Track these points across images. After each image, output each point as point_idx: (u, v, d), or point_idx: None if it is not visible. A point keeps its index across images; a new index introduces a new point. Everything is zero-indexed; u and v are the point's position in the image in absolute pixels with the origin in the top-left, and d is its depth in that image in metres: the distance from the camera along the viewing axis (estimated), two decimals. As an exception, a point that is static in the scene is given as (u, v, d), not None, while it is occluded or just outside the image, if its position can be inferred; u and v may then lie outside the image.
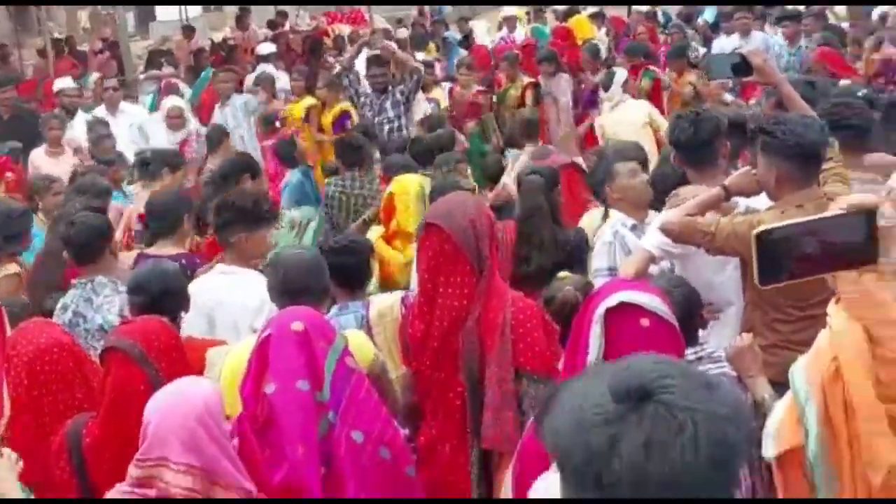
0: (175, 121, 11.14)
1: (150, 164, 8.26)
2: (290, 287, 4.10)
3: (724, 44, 12.49)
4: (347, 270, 4.75)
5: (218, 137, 9.99)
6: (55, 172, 9.20)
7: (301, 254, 4.35)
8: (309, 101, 12.03)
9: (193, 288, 4.89)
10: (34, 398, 4.15)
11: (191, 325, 4.75)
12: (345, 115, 11.40)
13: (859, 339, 2.91)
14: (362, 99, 10.96)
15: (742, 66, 5.06)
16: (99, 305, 5.29)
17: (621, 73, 10.96)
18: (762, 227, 2.85)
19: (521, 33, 16.84)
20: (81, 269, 5.49)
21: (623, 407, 1.58)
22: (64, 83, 12.47)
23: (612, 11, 17.79)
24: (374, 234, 7.01)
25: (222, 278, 5.17)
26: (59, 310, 5.35)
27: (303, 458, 3.35)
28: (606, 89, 11.00)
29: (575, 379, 1.69)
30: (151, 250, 5.89)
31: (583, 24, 15.96)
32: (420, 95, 11.32)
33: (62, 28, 29.68)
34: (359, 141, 8.61)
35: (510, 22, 17.43)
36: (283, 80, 13.82)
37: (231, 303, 4.96)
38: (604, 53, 13.65)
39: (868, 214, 2.81)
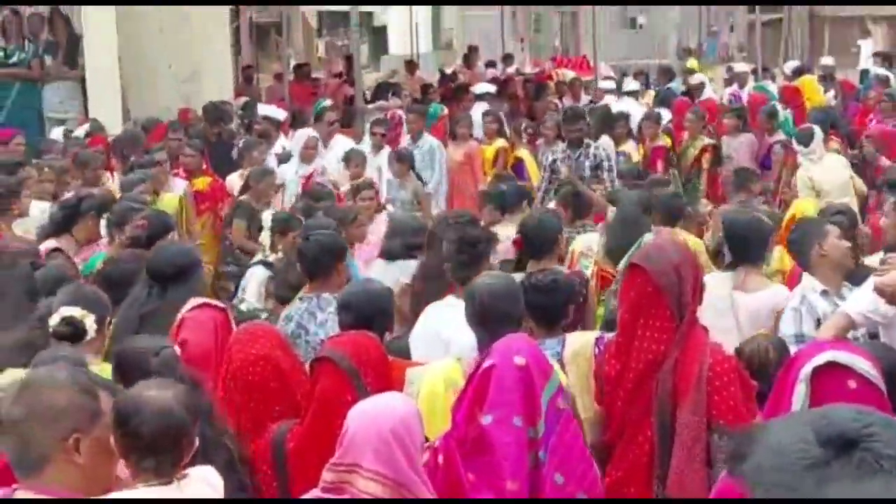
0: (309, 152, 11.29)
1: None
2: (487, 314, 4.18)
3: None
4: (547, 309, 4.78)
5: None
6: None
7: (497, 282, 4.42)
8: (501, 143, 12.20)
9: (424, 314, 5.05)
10: (236, 404, 4.30)
11: (413, 350, 4.91)
12: (519, 162, 11.70)
13: None
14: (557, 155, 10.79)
15: None
16: (322, 321, 5.47)
17: (819, 132, 10.66)
18: None
19: (747, 90, 16.66)
20: (311, 283, 5.74)
21: (829, 452, 1.62)
22: (268, 110, 12.82)
23: (841, 74, 17.43)
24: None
25: (446, 311, 5.24)
26: (283, 320, 5.56)
27: (512, 493, 3.43)
28: (803, 144, 10.67)
29: (774, 421, 1.72)
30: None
31: (811, 85, 15.60)
32: None
33: (299, 55, 30.84)
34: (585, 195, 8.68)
35: (741, 78, 17.34)
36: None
37: (448, 337, 5.01)
38: None
39: None
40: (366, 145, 11.84)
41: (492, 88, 16.33)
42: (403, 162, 10.91)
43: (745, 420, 3.89)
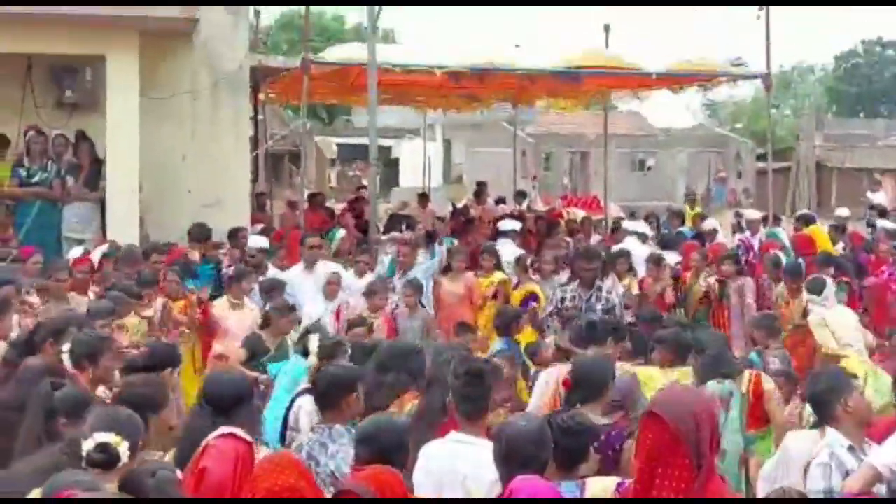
0: (332, 287, 11.50)
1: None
2: (515, 456, 4.21)
3: None
4: (569, 451, 4.79)
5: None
6: (233, 323, 10.33)
7: (528, 424, 4.45)
8: (499, 275, 12.39)
9: (426, 452, 5.05)
10: None
11: (418, 487, 4.90)
12: (532, 296, 11.73)
13: None
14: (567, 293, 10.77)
15: None
16: (334, 453, 5.48)
17: (830, 282, 10.81)
18: None
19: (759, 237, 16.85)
20: (324, 414, 5.83)
21: None
22: (256, 242, 12.94)
23: (853, 226, 17.65)
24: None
25: (456, 447, 5.22)
26: (293, 450, 5.56)
27: None
28: (816, 293, 10.79)
29: None
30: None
31: (821, 235, 15.76)
32: None
33: (311, 183, 31.28)
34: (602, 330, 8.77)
35: (752, 225, 17.56)
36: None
37: (465, 474, 4.99)
38: None
39: None
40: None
41: (517, 225, 16.48)
42: (414, 292, 11.08)
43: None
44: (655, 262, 13.06)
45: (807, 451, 5.62)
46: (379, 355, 6.83)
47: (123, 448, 4.48)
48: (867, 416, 5.52)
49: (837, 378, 5.78)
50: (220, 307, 10.79)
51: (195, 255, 12.39)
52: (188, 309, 10.58)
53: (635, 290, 12.26)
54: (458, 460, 5.12)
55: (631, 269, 12.88)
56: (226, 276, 11.65)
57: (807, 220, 17.20)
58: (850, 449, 5.29)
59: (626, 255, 13.07)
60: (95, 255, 11.56)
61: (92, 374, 6.64)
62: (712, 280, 12.49)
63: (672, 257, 13.97)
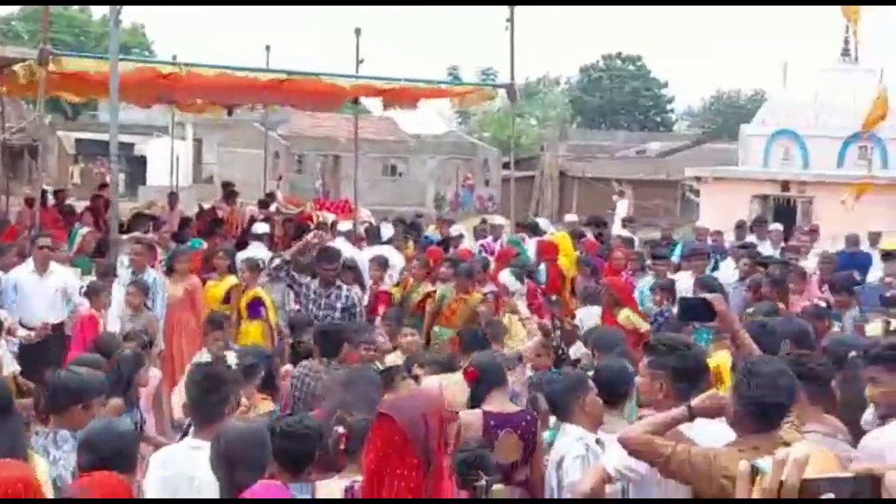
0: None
1: None
2: (232, 460, 4.16)
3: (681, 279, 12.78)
4: (294, 454, 4.76)
5: None
6: None
7: (245, 427, 4.40)
8: (231, 280, 12.27)
9: (158, 460, 4.91)
10: None
11: (151, 493, 4.77)
12: (258, 300, 11.73)
13: None
14: (304, 290, 10.97)
15: (705, 312, 5.22)
16: (55, 459, 5.30)
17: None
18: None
19: (500, 242, 17.28)
20: (52, 419, 5.63)
21: None
22: None
23: (590, 233, 18.37)
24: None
25: (193, 453, 5.14)
26: None
27: None
28: None
29: None
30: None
31: (565, 241, 16.29)
32: None
33: (51, 180, 30.09)
34: (342, 334, 8.75)
35: (496, 230, 18.03)
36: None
37: (201, 479, 4.87)
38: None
39: (874, 482, 2.55)
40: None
41: (267, 229, 16.36)
42: (139, 292, 10.81)
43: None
44: (380, 263, 13.38)
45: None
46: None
47: None
48: (601, 413, 5.77)
49: (576, 378, 6.05)
50: None
51: None
52: None
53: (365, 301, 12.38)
54: (193, 465, 5.02)
55: (359, 279, 13.00)
56: None
57: (533, 228, 17.83)
58: (598, 442, 5.50)
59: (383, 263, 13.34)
60: None
61: None
62: (430, 288, 12.64)
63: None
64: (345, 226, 17.77)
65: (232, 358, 7.30)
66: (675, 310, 11.30)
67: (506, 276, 12.09)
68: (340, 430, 4.85)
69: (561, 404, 5.95)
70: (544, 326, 9.16)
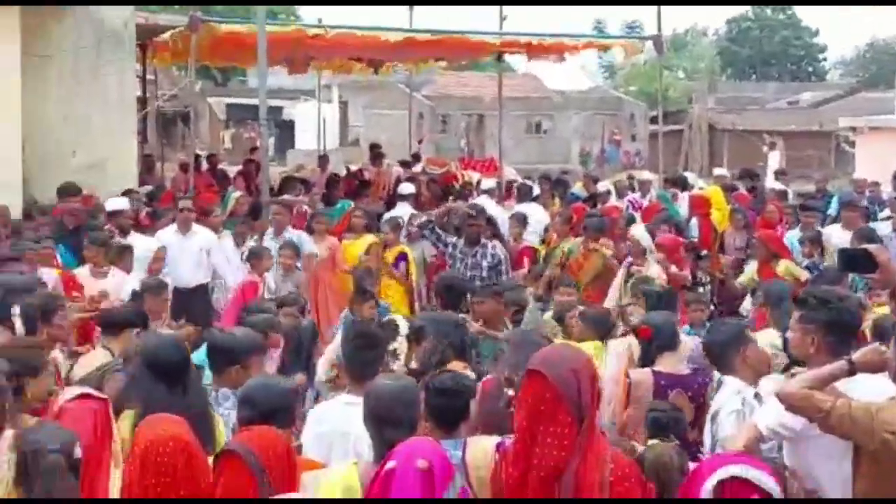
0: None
1: None
2: (382, 417, 4.18)
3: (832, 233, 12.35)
4: (448, 411, 4.75)
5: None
6: (94, 290, 9.22)
7: (394, 385, 4.41)
8: (370, 238, 12.34)
9: (315, 415, 4.98)
10: (144, 487, 4.18)
11: (307, 449, 4.85)
12: (402, 255, 11.80)
13: None
14: (450, 249, 11.00)
15: (866, 263, 5.01)
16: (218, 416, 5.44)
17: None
18: None
19: (649, 198, 17.04)
20: (214, 377, 5.85)
21: None
22: (118, 204, 11.97)
23: (742, 186, 17.93)
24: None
25: (347, 409, 5.21)
26: None
27: None
28: None
29: None
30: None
31: (717, 195, 15.98)
32: None
33: (205, 146, 30.80)
34: (463, 286, 8.85)
35: (644, 186, 17.78)
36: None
37: (356, 434, 4.93)
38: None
39: None
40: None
41: (413, 189, 16.45)
42: (293, 253, 10.96)
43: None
44: (520, 220, 13.21)
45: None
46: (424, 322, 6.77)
47: None
48: (762, 366, 5.66)
49: (736, 329, 5.94)
50: (82, 275, 10.03)
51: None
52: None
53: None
54: (347, 422, 5.08)
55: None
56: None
57: (682, 183, 17.48)
58: (756, 396, 5.37)
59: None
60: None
61: (46, 334, 6.58)
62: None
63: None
64: (487, 183, 17.73)
65: (402, 322, 7.30)
66: (825, 262, 11.05)
67: (638, 231, 11.76)
68: (511, 392, 4.85)
69: (720, 356, 5.83)
70: (682, 278, 8.97)
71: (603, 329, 7.53)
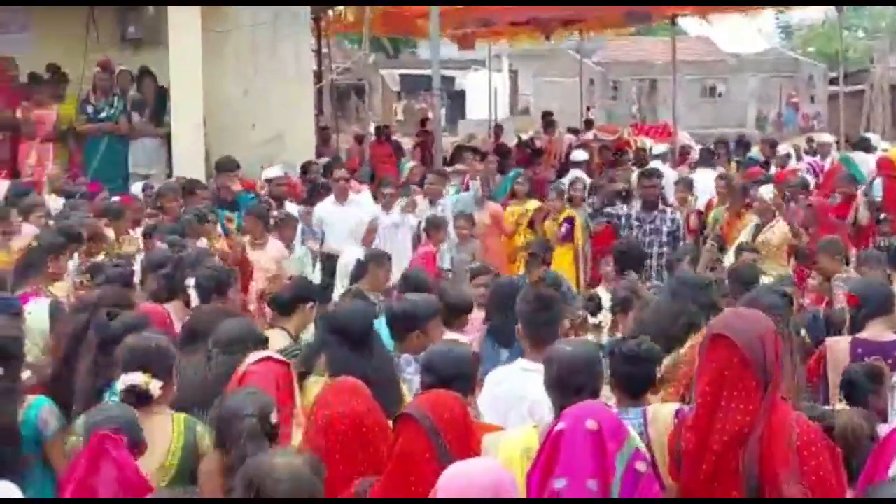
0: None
1: None
2: (564, 383, 4.18)
3: None
4: (635, 378, 4.72)
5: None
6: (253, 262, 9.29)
7: (576, 351, 4.39)
8: (533, 203, 12.37)
9: (492, 378, 5.02)
10: (325, 452, 4.23)
11: (484, 412, 4.90)
12: (569, 219, 11.71)
13: None
14: (624, 220, 10.79)
15: None
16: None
17: None
18: None
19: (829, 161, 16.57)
20: (395, 344, 5.96)
21: None
22: (273, 172, 12.28)
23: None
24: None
25: (524, 374, 5.24)
26: None
27: None
28: None
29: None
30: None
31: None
32: None
33: (378, 118, 31.20)
34: (636, 251, 8.80)
35: (824, 148, 17.28)
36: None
37: (533, 399, 4.96)
38: None
39: None
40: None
41: (587, 156, 16.37)
42: (467, 224, 11.01)
43: (835, 491, 3.81)
44: (687, 185, 12.98)
45: None
46: (672, 285, 6.64)
47: (154, 385, 4.62)
48: None
49: None
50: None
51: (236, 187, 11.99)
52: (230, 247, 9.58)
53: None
54: (524, 386, 5.11)
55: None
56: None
57: (864, 145, 16.87)
58: None
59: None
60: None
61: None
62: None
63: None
64: (659, 148, 17.47)
65: (605, 294, 7.22)
66: None
67: (764, 191, 11.32)
68: None
69: None
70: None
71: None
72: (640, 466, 3.51)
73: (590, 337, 6.53)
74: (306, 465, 3.34)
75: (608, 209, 11.20)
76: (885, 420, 5.27)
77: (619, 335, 6.59)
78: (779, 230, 10.42)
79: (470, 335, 6.89)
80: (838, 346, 6.17)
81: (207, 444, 4.64)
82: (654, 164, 15.41)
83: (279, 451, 3.46)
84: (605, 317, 6.99)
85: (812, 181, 15.02)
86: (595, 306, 7.12)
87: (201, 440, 4.71)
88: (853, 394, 5.59)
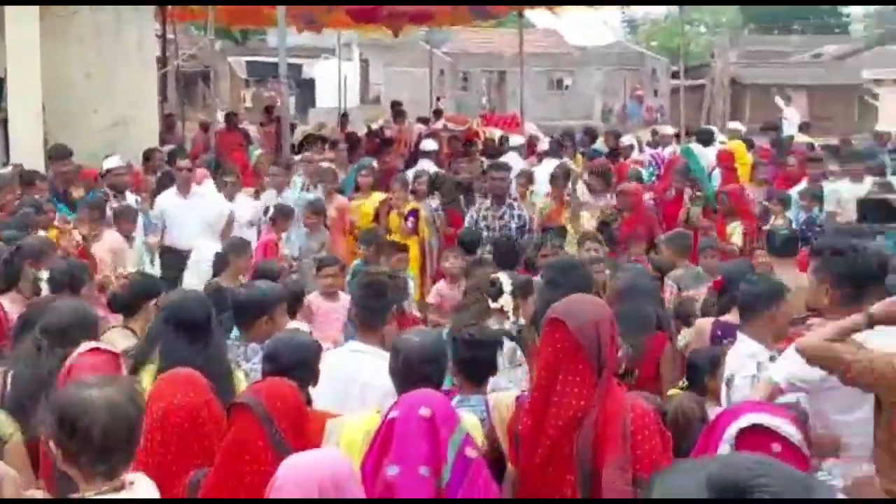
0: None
1: None
2: (410, 373, 4.21)
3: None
4: (476, 364, 4.78)
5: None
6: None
7: (421, 340, 4.43)
8: (378, 196, 12.29)
9: (327, 362, 5.04)
10: (156, 452, 4.23)
11: (322, 397, 4.88)
12: (412, 212, 11.69)
13: None
14: (473, 212, 10.92)
15: (888, 212, 5.00)
16: (248, 372, 5.50)
17: None
18: None
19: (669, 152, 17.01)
20: (241, 333, 5.94)
21: (718, 499, 1.59)
22: (112, 162, 11.57)
23: (761, 140, 17.90)
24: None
25: (354, 356, 5.28)
26: None
27: None
28: None
29: (675, 468, 1.71)
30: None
31: (741, 149, 15.97)
32: None
33: (225, 105, 30.78)
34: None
35: (666, 140, 17.73)
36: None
37: (363, 381, 5.02)
38: None
39: None
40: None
41: (436, 146, 16.42)
42: (319, 214, 10.94)
43: (664, 472, 3.90)
44: (527, 177, 13.19)
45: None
46: (548, 272, 6.68)
47: None
48: (787, 329, 5.50)
49: (772, 286, 5.69)
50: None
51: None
52: (63, 240, 9.09)
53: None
54: (356, 367, 5.16)
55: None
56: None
57: (705, 138, 17.43)
58: (772, 359, 5.28)
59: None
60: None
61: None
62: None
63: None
64: (516, 140, 17.64)
65: (506, 279, 7.24)
66: (822, 216, 11.07)
67: (578, 187, 11.77)
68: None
69: (747, 310, 5.57)
70: None
71: None
72: (471, 452, 3.56)
73: (492, 322, 6.56)
74: (121, 394, 3.22)
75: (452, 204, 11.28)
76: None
77: (522, 320, 6.74)
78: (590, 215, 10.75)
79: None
80: (700, 329, 6.49)
81: (9, 430, 4.55)
82: (509, 155, 15.58)
83: (92, 380, 3.33)
84: (506, 301, 7.06)
85: (655, 172, 15.45)
86: (496, 291, 7.19)
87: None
88: (694, 377, 5.78)
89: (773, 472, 1.62)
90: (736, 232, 10.84)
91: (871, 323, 4.32)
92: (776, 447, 3.25)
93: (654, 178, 15.09)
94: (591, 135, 19.71)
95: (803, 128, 21.51)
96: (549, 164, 14.86)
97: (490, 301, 6.94)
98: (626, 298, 6.48)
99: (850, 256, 4.64)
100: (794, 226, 10.53)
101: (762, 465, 1.65)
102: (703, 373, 5.74)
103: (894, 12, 71.89)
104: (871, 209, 5.34)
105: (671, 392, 5.24)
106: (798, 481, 1.62)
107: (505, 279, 7.13)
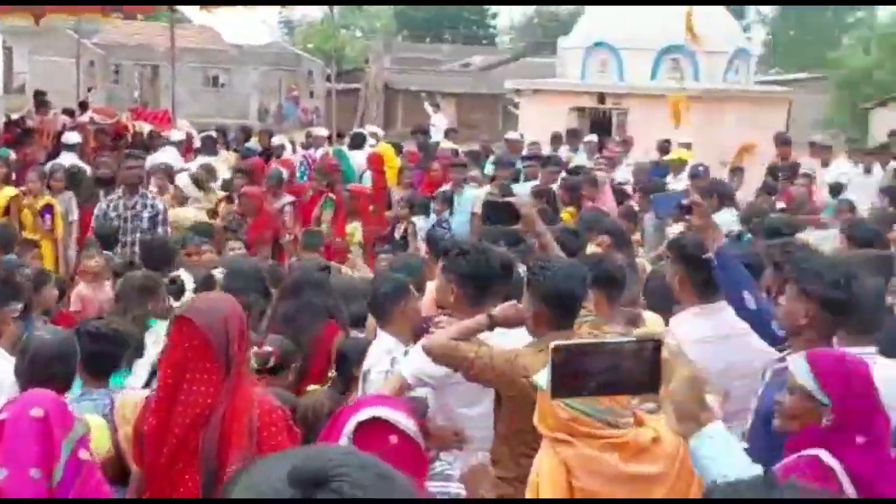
0: None
1: None
2: (35, 372, 4.11)
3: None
4: (100, 358, 4.70)
5: None
6: None
7: (51, 339, 4.33)
8: (10, 190, 11.73)
9: None
10: None
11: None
12: (48, 208, 11.36)
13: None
14: (106, 203, 10.66)
15: (509, 215, 5.29)
16: None
17: None
18: (559, 343, 2.77)
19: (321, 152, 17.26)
20: None
21: (297, 492, 1.62)
22: None
23: (409, 145, 18.50)
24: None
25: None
26: None
27: None
28: None
29: (260, 461, 1.75)
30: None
31: (389, 152, 16.41)
32: None
33: None
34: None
35: (318, 141, 17.97)
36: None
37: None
38: None
39: (655, 345, 2.75)
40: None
41: (80, 139, 15.85)
42: None
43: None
44: (164, 172, 13.07)
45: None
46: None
47: None
48: (419, 320, 5.69)
49: (398, 283, 5.81)
50: None
51: None
52: None
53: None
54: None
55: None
56: None
57: (357, 141, 17.88)
58: (406, 354, 5.43)
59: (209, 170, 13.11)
60: None
61: None
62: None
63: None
64: (178, 135, 17.33)
65: (186, 276, 6.99)
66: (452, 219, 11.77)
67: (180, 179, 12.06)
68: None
69: (379, 308, 5.69)
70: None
71: None
72: (84, 454, 3.52)
73: None
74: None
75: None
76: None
77: None
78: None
79: None
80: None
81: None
82: (166, 151, 15.35)
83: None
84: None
85: (307, 173, 15.64)
86: (178, 289, 7.03)
87: None
88: (342, 367, 5.84)
89: (354, 463, 1.68)
90: (357, 231, 11.24)
91: (492, 325, 4.58)
92: (393, 439, 3.38)
93: (305, 179, 15.24)
94: (245, 133, 19.69)
95: (449, 134, 22.31)
96: (202, 161, 14.77)
97: (172, 300, 6.85)
98: (296, 293, 6.53)
99: (473, 257, 4.87)
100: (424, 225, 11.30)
101: (345, 456, 1.71)
102: (351, 364, 5.85)
103: (538, 27, 75.71)
104: (493, 211, 5.63)
105: (310, 388, 5.32)
106: (372, 468, 1.70)
107: (187, 276, 7.06)
